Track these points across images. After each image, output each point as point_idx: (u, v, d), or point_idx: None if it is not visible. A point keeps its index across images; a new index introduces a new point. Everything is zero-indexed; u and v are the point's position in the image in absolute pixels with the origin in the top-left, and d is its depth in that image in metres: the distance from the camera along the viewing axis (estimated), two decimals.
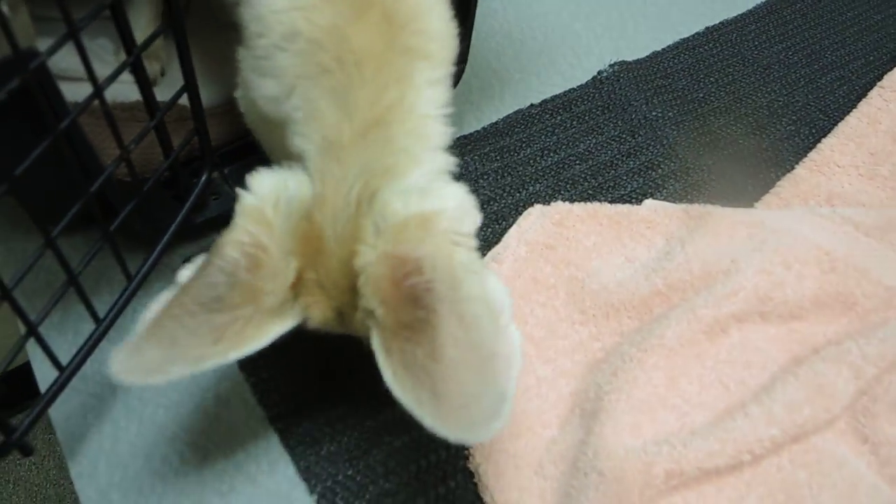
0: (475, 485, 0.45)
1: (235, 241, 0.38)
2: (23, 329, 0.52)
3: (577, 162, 0.63)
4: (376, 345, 0.36)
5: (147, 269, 0.49)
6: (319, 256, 0.39)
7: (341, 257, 0.38)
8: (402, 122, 0.40)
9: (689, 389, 0.46)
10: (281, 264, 0.38)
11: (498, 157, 0.63)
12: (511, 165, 0.62)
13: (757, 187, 0.63)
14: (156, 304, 0.38)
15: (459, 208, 0.38)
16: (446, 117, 0.43)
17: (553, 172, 0.62)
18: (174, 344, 0.36)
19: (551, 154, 0.63)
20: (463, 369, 0.34)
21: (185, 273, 0.39)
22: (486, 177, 0.61)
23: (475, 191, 0.60)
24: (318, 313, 0.39)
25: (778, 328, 0.50)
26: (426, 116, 0.41)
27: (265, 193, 0.39)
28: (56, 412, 0.49)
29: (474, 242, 0.38)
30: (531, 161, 0.63)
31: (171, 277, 0.39)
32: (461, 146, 0.63)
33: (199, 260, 0.39)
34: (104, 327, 0.47)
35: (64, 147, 0.41)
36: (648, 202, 0.59)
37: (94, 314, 0.46)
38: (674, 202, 0.59)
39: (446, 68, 0.44)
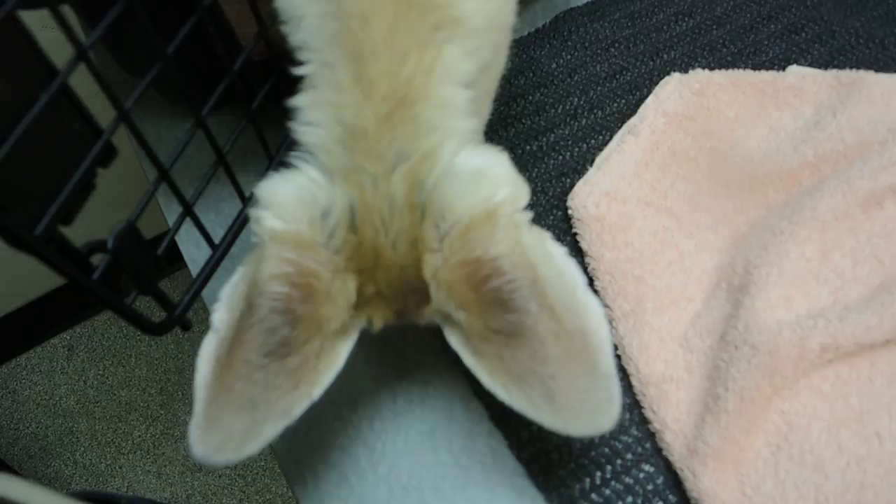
0: (619, 357, 0.45)
1: (278, 273, 0.33)
2: (165, 210, 0.54)
3: (714, 26, 0.59)
4: (459, 345, 0.34)
5: (286, 147, 0.49)
6: (377, 266, 0.35)
7: (403, 264, 0.35)
8: (428, 98, 0.33)
9: (843, 264, 0.45)
10: (337, 285, 0.34)
11: (629, 24, 0.60)
12: (643, 32, 0.59)
13: None
14: (205, 362, 0.34)
15: (512, 183, 0.35)
16: (475, 78, 0.36)
17: (689, 38, 0.58)
18: (255, 406, 0.33)
19: (686, 18, 0.60)
20: (569, 363, 0.32)
21: (220, 316, 0.35)
22: (616, 45, 0.58)
23: (606, 60, 0.58)
24: (380, 320, 0.37)
25: None
26: (455, 86, 0.34)
27: (291, 210, 0.34)
28: (206, 290, 0.51)
29: (530, 215, 0.35)
30: (664, 26, 0.59)
31: None
32: (589, 13, 0.60)
33: (229, 298, 0.36)
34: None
35: (208, 25, 0.41)
36: (794, 68, 0.55)
37: (240, 193, 0.48)
38: (820, 68, 0.55)
39: (486, 39, 0.36)
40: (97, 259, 0.38)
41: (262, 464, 1.44)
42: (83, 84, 0.36)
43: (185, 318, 0.45)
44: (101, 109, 0.37)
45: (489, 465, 0.43)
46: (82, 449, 1.51)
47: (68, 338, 1.65)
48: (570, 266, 0.34)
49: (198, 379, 0.34)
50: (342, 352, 0.35)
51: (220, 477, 1.44)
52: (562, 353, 0.32)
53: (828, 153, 0.48)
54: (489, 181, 0.34)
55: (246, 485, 1.43)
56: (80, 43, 0.33)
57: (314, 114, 0.35)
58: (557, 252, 0.35)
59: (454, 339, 0.35)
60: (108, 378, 1.59)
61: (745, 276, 0.44)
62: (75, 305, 1.63)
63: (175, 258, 0.52)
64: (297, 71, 0.35)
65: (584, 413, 0.32)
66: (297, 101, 0.35)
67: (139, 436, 1.51)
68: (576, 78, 0.57)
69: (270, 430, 0.33)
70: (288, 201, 0.34)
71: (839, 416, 0.41)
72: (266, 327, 0.33)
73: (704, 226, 0.48)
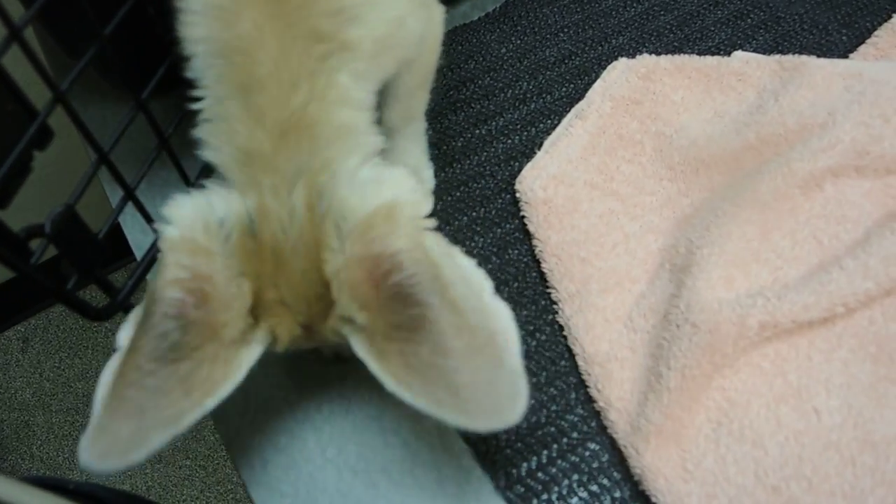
0: (565, 337, 0.46)
1: (173, 280, 0.34)
2: (111, 196, 0.54)
3: (662, 12, 0.60)
4: (362, 351, 0.34)
5: None
6: (278, 271, 0.35)
7: (304, 268, 0.35)
8: (326, 121, 0.35)
9: (783, 244, 0.46)
10: (232, 290, 0.34)
11: (578, 9, 0.60)
12: (592, 17, 0.59)
13: (852, 37, 0.59)
14: (105, 377, 0.34)
15: (413, 192, 0.36)
16: (371, 97, 0.38)
17: (637, 24, 0.59)
18: (143, 412, 0.32)
19: (634, 4, 0.60)
20: (472, 357, 0.32)
21: (125, 335, 0.35)
22: (566, 30, 0.59)
23: (555, 45, 0.58)
24: (285, 332, 0.36)
25: (873, 182, 0.49)
26: (351, 109, 0.36)
27: (189, 221, 0.35)
28: (152, 275, 0.50)
29: (433, 223, 0.35)
30: (613, 12, 0.60)
31: None
32: None
33: (133, 317, 0.36)
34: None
35: (147, 5, 0.41)
36: (738, 54, 0.56)
37: (184, 176, 0.47)
38: (764, 54, 0.56)
39: (379, 61, 0.37)
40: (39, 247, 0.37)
41: (223, 454, 1.43)
42: (24, 68, 0.35)
43: (129, 304, 0.45)
44: (43, 92, 0.36)
45: (436, 447, 0.43)
46: (39, 442, 1.48)
47: (23, 330, 1.62)
48: (478, 273, 0.35)
49: (96, 394, 0.34)
50: (242, 363, 0.35)
51: (180, 468, 1.43)
52: (464, 347, 0.32)
53: (770, 136, 0.49)
54: (390, 187, 0.35)
55: (206, 475, 1.42)
56: (13, 23, 0.32)
57: (212, 140, 0.36)
58: (465, 263, 0.35)
59: (358, 346, 0.34)
60: (64, 370, 1.56)
61: (687, 257, 0.45)
62: (29, 297, 1.60)
63: (128, 250, 0.52)
64: (195, 106, 0.37)
65: (490, 406, 0.32)
66: (198, 132, 0.37)
67: None
68: (525, 62, 0.58)
69: (157, 437, 0.32)
70: (186, 213, 0.35)
71: (778, 392, 0.42)
72: (157, 332, 0.33)
73: (649, 208, 0.49)
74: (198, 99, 0.37)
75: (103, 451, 0.32)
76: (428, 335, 0.32)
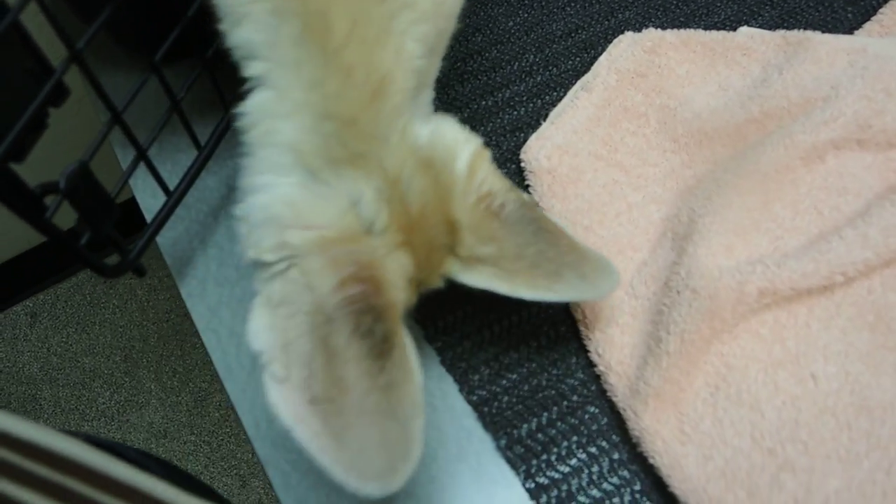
0: (566, 303, 0.46)
1: (345, 277, 0.33)
2: (122, 160, 0.54)
3: None
4: (489, 280, 0.39)
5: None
6: (413, 235, 0.37)
7: (433, 222, 0.37)
8: (396, 80, 0.35)
9: (783, 214, 0.46)
10: (393, 266, 0.35)
11: None
12: None
13: (857, 14, 0.60)
14: (302, 416, 0.31)
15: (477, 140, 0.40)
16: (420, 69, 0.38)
17: None
18: (394, 412, 0.32)
19: None
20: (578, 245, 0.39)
21: (280, 363, 0.33)
22: (573, 4, 0.59)
23: (562, 19, 0.59)
24: (411, 295, 0.38)
25: (875, 156, 0.49)
26: (411, 72, 0.36)
27: (316, 214, 0.35)
28: (163, 238, 0.51)
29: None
30: None
31: None
32: None
33: (273, 340, 0.33)
34: (206, 154, 0.48)
35: None
36: (744, 29, 0.56)
37: (195, 141, 0.48)
38: (770, 29, 0.57)
39: (432, 24, 0.37)
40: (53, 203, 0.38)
41: (228, 430, 1.45)
42: (39, 30, 0.36)
43: (140, 264, 0.46)
44: (57, 55, 0.37)
45: (438, 408, 0.44)
46: (46, 416, 1.50)
47: (31, 305, 1.64)
48: None
49: (303, 433, 0.31)
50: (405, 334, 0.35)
51: (184, 444, 1.45)
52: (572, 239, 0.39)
53: (773, 109, 0.50)
54: (463, 134, 0.39)
55: (211, 451, 1.44)
56: None
57: (288, 115, 0.35)
58: None
59: (482, 278, 0.39)
60: (71, 345, 1.58)
61: (689, 226, 0.45)
62: (37, 273, 1.61)
63: (140, 223, 0.53)
64: (246, 72, 0.35)
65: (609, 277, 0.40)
66: (252, 104, 0.35)
67: (103, 403, 1.51)
68: (532, 36, 0.58)
69: (419, 427, 0.32)
70: (304, 208, 0.35)
71: (776, 358, 0.42)
72: (362, 332, 0.33)
73: (652, 179, 0.50)
74: (240, 64, 0.35)
75: (387, 465, 0.31)
76: (550, 237, 0.39)
